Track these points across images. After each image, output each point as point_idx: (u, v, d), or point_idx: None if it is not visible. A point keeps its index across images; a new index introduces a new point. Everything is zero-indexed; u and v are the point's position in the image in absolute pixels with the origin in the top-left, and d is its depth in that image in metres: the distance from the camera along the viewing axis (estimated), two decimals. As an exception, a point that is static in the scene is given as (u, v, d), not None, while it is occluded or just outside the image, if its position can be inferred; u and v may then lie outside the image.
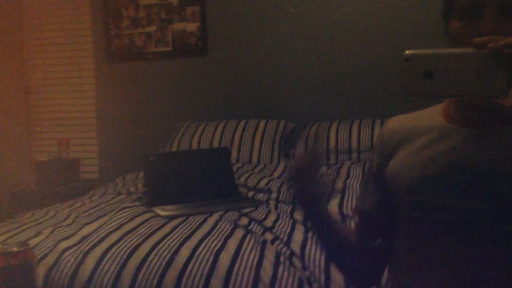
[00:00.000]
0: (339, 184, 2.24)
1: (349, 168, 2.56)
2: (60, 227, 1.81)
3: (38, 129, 3.87)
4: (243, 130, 3.14)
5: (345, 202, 1.97)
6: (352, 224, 1.72)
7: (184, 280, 1.40)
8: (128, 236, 1.65)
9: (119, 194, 2.42)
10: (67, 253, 1.55)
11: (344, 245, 1.04)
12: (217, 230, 1.69)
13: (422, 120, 0.97)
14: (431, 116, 0.96)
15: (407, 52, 0.69)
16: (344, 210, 1.87)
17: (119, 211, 1.98)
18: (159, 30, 3.61)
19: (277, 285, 1.39)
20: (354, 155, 2.83)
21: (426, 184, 0.89)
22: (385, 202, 1.00)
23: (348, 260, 1.06)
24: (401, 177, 0.93)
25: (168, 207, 2.05)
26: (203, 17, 3.53)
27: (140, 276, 1.43)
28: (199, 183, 2.25)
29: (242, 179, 2.44)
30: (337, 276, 1.40)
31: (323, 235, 1.04)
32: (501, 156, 0.83)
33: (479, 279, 0.83)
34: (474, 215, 0.83)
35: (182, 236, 1.62)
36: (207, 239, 1.59)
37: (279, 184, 2.32)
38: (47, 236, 1.70)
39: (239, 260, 1.46)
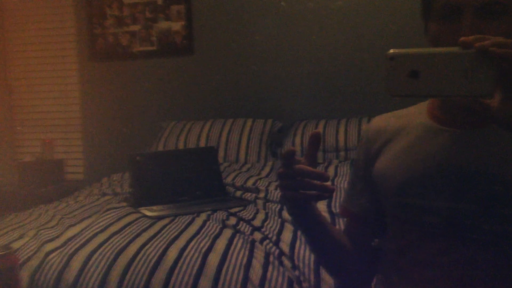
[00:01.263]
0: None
1: (336, 167, 2.56)
2: (44, 229, 1.77)
3: (18, 128, 3.80)
4: (230, 129, 3.12)
5: (333, 201, 1.96)
6: (342, 224, 1.71)
7: (172, 281, 1.37)
8: (114, 237, 1.62)
9: (104, 194, 2.39)
10: (52, 255, 1.51)
11: (335, 247, 1.00)
12: (205, 230, 1.66)
13: (407, 119, 0.96)
14: (416, 115, 0.96)
15: (392, 51, 0.68)
16: (333, 209, 1.86)
17: (105, 212, 1.94)
18: (144, 29, 3.57)
19: (266, 285, 1.37)
20: (342, 154, 2.83)
21: (414, 186, 0.88)
22: (374, 202, 0.99)
23: (339, 263, 1.02)
24: (388, 179, 0.92)
25: (155, 207, 2.02)
26: (188, 16, 3.50)
27: (127, 278, 1.40)
28: (186, 183, 2.23)
29: (230, 179, 2.43)
30: (327, 275, 1.39)
31: (312, 238, 1.00)
32: (488, 156, 0.83)
33: (468, 281, 0.83)
34: (463, 216, 0.83)
35: (169, 237, 1.60)
36: (195, 240, 1.57)
37: (267, 183, 2.31)
38: (31, 238, 1.66)
39: (227, 260, 1.44)
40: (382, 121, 1.01)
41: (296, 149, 2.85)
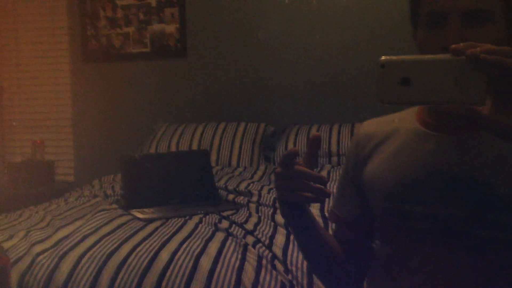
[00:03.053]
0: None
1: (329, 172, 2.56)
2: (34, 230, 1.75)
3: (15, 125, 3.76)
4: (223, 132, 3.11)
5: (326, 205, 1.95)
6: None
7: (163, 284, 1.36)
8: (105, 239, 1.60)
9: (95, 196, 2.37)
10: (42, 256, 1.49)
11: (326, 251, 0.99)
12: (197, 233, 1.65)
13: (397, 124, 0.96)
14: (406, 120, 0.96)
15: (384, 58, 0.68)
16: (326, 214, 1.86)
17: (96, 213, 1.93)
18: (137, 31, 3.56)
19: (259, 289, 1.36)
20: (334, 159, 2.83)
21: (402, 191, 0.88)
22: (363, 207, 0.99)
23: (329, 267, 1.02)
24: (377, 183, 0.92)
25: (147, 210, 2.01)
26: (182, 19, 3.50)
27: (118, 280, 1.39)
28: (178, 185, 2.21)
29: (222, 182, 2.42)
30: (320, 279, 1.38)
31: (304, 240, 0.99)
32: (476, 161, 0.83)
33: (457, 286, 0.83)
34: (451, 222, 0.83)
35: (161, 240, 1.58)
36: (187, 242, 1.56)
37: (259, 187, 2.30)
38: (21, 239, 1.64)
39: (220, 263, 1.43)
40: (371, 126, 1.01)
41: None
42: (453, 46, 0.65)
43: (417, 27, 0.87)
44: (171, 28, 3.52)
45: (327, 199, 2.02)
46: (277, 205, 1.99)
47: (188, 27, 3.49)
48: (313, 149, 0.83)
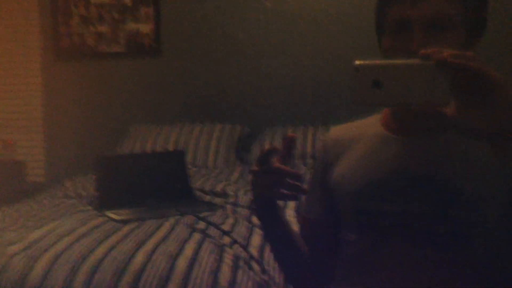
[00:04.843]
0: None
1: (304, 174, 2.58)
2: (7, 231, 1.72)
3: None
4: (199, 134, 3.10)
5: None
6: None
7: (140, 285, 1.36)
8: (81, 241, 1.58)
9: (69, 197, 2.33)
10: (16, 258, 1.47)
11: (297, 251, 1.03)
12: (173, 235, 1.65)
13: (362, 129, 1.01)
14: (371, 125, 1.01)
15: (358, 62, 0.72)
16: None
17: (70, 215, 1.90)
18: (112, 30, 3.52)
19: (235, 289, 1.37)
20: (309, 161, 2.86)
21: (370, 191, 0.92)
22: (332, 209, 1.02)
23: (299, 267, 1.05)
24: (345, 185, 0.96)
25: (122, 211, 1.99)
26: (157, 18, 3.48)
27: (94, 282, 1.38)
28: (154, 186, 2.20)
29: (198, 183, 2.41)
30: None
31: (276, 240, 1.02)
32: (437, 161, 0.88)
33: (423, 282, 0.86)
34: (414, 219, 0.87)
35: (137, 241, 1.58)
36: (163, 244, 1.55)
37: (236, 189, 2.30)
38: (-7, 241, 1.61)
39: (196, 264, 1.43)
40: (338, 132, 1.06)
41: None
42: (422, 51, 0.70)
43: (383, 35, 0.92)
44: (146, 27, 3.50)
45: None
46: (253, 206, 1.99)
47: (163, 27, 3.48)
48: (288, 149, 0.86)
